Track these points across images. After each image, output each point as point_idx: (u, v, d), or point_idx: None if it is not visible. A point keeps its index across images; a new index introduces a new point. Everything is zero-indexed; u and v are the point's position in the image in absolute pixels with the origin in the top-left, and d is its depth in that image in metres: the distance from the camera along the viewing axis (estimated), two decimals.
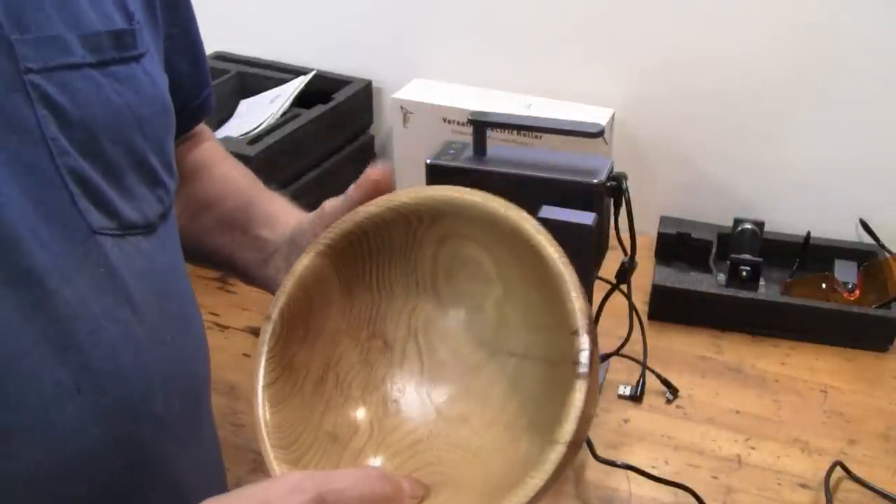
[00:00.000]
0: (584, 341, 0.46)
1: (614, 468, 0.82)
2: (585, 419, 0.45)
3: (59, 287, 0.46)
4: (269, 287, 0.63)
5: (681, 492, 0.79)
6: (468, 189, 0.51)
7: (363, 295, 0.55)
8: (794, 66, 1.10)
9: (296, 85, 1.27)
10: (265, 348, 0.49)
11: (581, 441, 0.46)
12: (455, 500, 0.44)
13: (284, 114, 1.23)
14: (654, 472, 0.80)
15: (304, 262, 0.51)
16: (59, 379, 0.46)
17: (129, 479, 0.51)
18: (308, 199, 1.20)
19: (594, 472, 0.83)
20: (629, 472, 0.81)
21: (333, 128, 1.23)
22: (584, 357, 0.45)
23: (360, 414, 0.52)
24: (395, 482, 0.42)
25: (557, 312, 0.48)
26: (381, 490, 0.41)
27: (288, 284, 0.51)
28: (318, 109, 1.20)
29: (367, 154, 1.32)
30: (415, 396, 0.54)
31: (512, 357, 0.53)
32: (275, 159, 1.12)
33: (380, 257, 0.54)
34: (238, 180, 0.72)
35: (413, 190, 0.52)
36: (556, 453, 0.43)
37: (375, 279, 0.55)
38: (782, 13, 1.08)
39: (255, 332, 1.04)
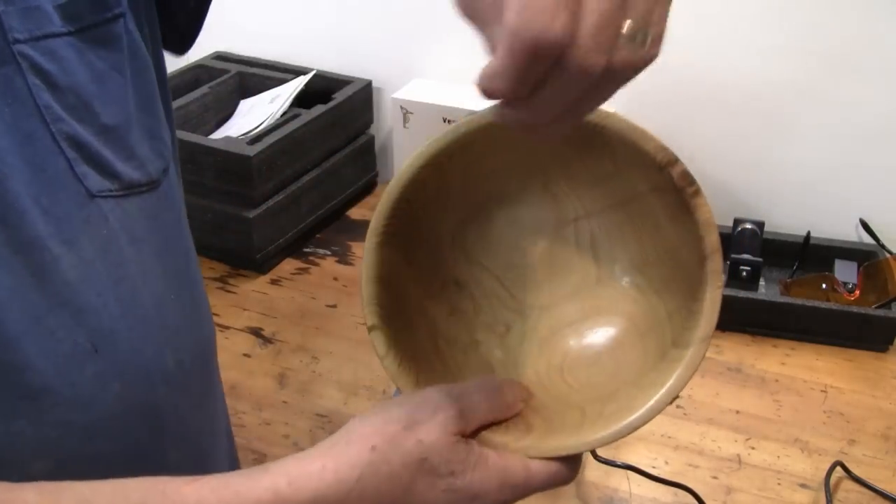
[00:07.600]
0: (676, 166, 0.47)
1: (614, 468, 0.82)
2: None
3: (63, 252, 0.47)
4: None
5: (681, 492, 0.79)
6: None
7: (419, 250, 0.52)
8: (793, 66, 1.10)
9: (296, 85, 1.27)
10: (389, 355, 0.48)
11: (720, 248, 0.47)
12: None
13: (284, 114, 1.23)
14: (654, 472, 0.80)
15: (368, 260, 0.49)
16: (76, 340, 0.47)
17: (149, 438, 0.53)
18: (308, 199, 1.21)
19: (594, 472, 0.83)
20: (629, 472, 0.81)
21: (333, 128, 1.23)
22: (682, 175, 0.48)
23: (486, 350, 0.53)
24: (510, 390, 0.48)
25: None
26: (501, 399, 0.47)
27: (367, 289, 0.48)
28: (318, 109, 1.20)
29: (367, 154, 1.32)
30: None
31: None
32: (275, 159, 1.12)
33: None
34: None
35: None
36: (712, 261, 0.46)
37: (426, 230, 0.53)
38: (782, 13, 1.08)
39: (255, 332, 1.03)
